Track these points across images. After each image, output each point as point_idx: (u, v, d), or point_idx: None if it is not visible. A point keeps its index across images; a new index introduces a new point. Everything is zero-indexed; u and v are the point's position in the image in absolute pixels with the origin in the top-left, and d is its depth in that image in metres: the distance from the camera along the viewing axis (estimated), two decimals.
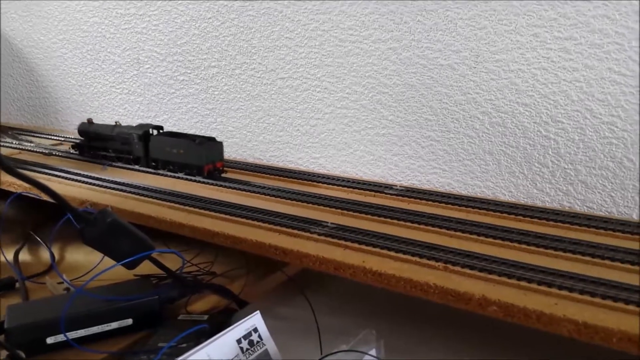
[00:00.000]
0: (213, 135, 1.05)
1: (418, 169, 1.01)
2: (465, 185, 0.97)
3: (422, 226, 0.74)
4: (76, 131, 1.19)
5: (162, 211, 0.84)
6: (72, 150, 1.21)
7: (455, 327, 0.73)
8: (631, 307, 0.52)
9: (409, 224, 0.75)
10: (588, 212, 0.85)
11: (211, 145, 0.99)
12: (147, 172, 1.06)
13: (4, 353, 0.61)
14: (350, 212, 0.81)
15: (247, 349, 0.57)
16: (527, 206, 0.81)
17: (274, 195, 0.89)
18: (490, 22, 0.88)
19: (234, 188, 0.94)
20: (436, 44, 0.93)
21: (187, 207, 0.85)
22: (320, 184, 0.96)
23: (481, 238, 0.70)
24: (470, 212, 0.80)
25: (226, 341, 0.56)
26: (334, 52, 1.05)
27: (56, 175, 1.04)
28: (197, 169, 0.98)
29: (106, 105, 1.47)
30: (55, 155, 1.21)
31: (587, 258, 0.63)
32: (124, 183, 0.97)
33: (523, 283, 0.57)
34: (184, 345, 0.60)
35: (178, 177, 1.01)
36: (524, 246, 0.67)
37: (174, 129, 1.21)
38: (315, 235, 0.72)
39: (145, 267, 0.74)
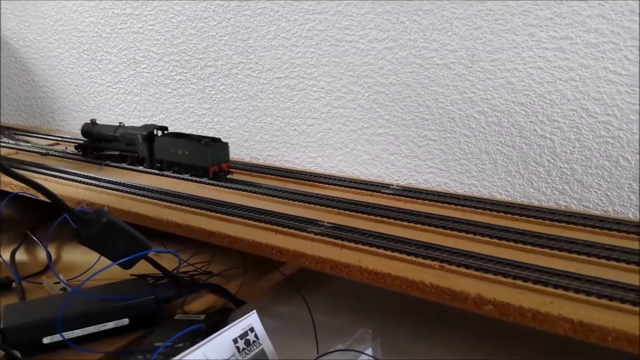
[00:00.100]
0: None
1: (415, 168, 1.01)
2: (461, 184, 0.97)
3: (418, 225, 0.74)
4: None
5: (159, 211, 0.84)
6: (75, 151, 1.19)
7: (451, 326, 0.73)
8: (627, 306, 0.52)
9: (405, 223, 0.76)
10: (584, 211, 0.85)
11: (217, 146, 0.97)
12: (147, 172, 1.06)
13: (1, 353, 0.61)
14: (347, 212, 0.81)
15: (244, 349, 0.57)
16: (524, 205, 0.81)
17: (270, 195, 0.89)
18: (486, 22, 0.88)
19: (231, 188, 0.94)
20: (432, 43, 0.94)
21: (183, 207, 0.85)
22: (317, 184, 0.96)
23: (477, 237, 0.70)
24: (466, 211, 0.80)
25: (222, 341, 0.56)
26: (330, 51, 1.05)
27: (53, 175, 1.04)
28: (203, 170, 0.97)
29: (103, 105, 1.46)
30: (52, 155, 1.21)
31: (583, 257, 0.63)
32: (120, 183, 0.97)
33: (519, 282, 0.57)
34: (181, 344, 0.60)
35: (183, 179, 1.00)
36: (520, 245, 0.67)
37: (172, 129, 1.20)
38: (311, 235, 0.72)
39: (142, 267, 0.74)
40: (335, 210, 0.82)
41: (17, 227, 1.06)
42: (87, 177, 1.01)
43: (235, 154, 1.23)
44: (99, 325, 0.68)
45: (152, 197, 0.90)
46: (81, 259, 0.91)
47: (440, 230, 0.73)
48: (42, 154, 1.22)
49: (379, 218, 0.78)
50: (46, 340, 0.65)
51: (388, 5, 0.96)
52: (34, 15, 1.52)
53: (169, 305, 0.75)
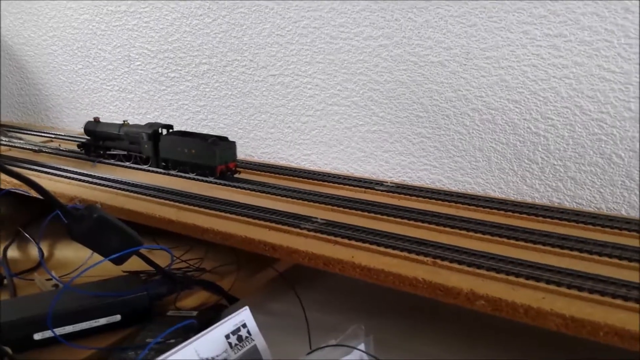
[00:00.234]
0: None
1: (409, 165, 1.01)
2: (455, 181, 0.98)
3: (411, 222, 0.74)
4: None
5: (152, 207, 0.84)
6: (77, 149, 1.17)
7: (444, 322, 0.73)
8: (618, 302, 0.52)
9: (398, 219, 0.76)
10: (577, 208, 0.85)
11: (224, 145, 0.95)
12: (148, 170, 1.05)
13: None
14: (341, 208, 0.81)
15: (236, 344, 0.57)
16: (517, 202, 0.82)
17: (264, 192, 0.89)
18: (481, 20, 0.88)
19: (225, 185, 0.94)
20: (427, 41, 0.94)
21: (176, 204, 0.85)
22: (311, 181, 0.96)
23: (470, 234, 0.70)
24: (460, 208, 0.81)
25: (214, 337, 0.56)
26: (325, 49, 1.05)
27: (46, 172, 1.03)
28: (210, 169, 0.95)
29: (97, 103, 1.46)
30: (45, 152, 1.20)
31: (575, 253, 0.63)
32: (113, 179, 0.97)
33: (511, 278, 0.57)
34: (172, 340, 0.59)
35: (189, 178, 0.98)
36: (512, 241, 0.67)
37: None
38: (305, 231, 0.72)
39: (135, 264, 0.73)
40: (329, 206, 0.82)
41: (9, 224, 1.05)
42: (80, 173, 1.01)
43: None
44: (91, 321, 0.68)
45: (145, 194, 0.89)
46: (74, 256, 0.90)
47: (433, 226, 0.73)
48: (35, 151, 1.21)
49: (372, 214, 0.78)
50: (37, 336, 0.65)
51: (383, 2, 0.96)
52: (28, 13, 1.51)
53: (161, 301, 0.75)
